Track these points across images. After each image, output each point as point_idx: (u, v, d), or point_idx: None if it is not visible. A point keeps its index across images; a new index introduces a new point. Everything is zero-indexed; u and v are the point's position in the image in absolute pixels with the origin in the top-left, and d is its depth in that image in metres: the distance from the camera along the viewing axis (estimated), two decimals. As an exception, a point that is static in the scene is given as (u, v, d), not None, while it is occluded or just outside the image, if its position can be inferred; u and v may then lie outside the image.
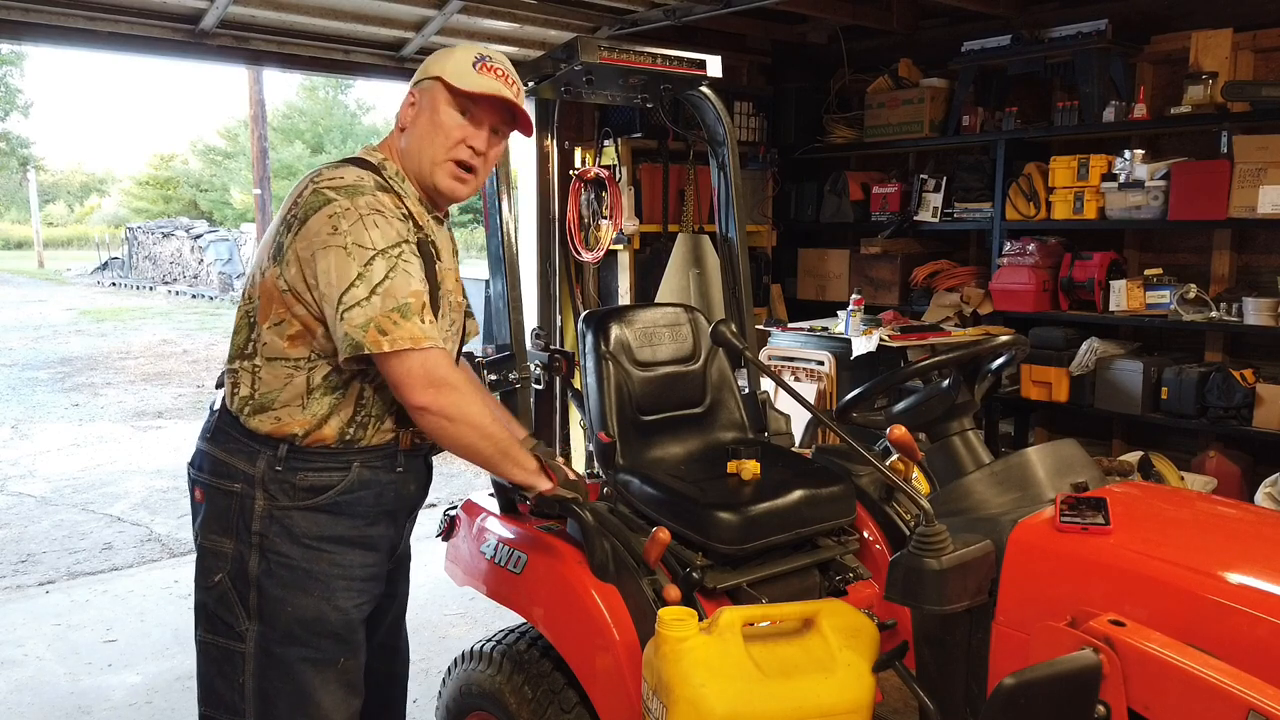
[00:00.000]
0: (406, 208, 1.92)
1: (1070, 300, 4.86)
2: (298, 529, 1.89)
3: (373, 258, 1.78)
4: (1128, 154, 4.54)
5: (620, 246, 5.44)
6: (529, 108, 2.06)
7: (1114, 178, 4.57)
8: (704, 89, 2.86)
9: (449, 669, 2.61)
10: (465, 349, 2.25)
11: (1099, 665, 1.36)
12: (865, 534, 2.54)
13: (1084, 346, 4.69)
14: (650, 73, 2.68)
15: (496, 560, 2.42)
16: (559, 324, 5.16)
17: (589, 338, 2.68)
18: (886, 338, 4.78)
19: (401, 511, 2.08)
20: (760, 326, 5.36)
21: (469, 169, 1.98)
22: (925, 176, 5.49)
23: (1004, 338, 2.17)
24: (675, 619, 1.83)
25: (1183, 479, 4.24)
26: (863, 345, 4.77)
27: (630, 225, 5.34)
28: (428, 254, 1.93)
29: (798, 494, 2.34)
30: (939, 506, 1.72)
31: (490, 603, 2.52)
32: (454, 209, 2.16)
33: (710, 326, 2.33)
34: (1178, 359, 4.60)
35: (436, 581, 3.61)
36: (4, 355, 13.13)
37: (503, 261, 2.58)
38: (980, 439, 2.09)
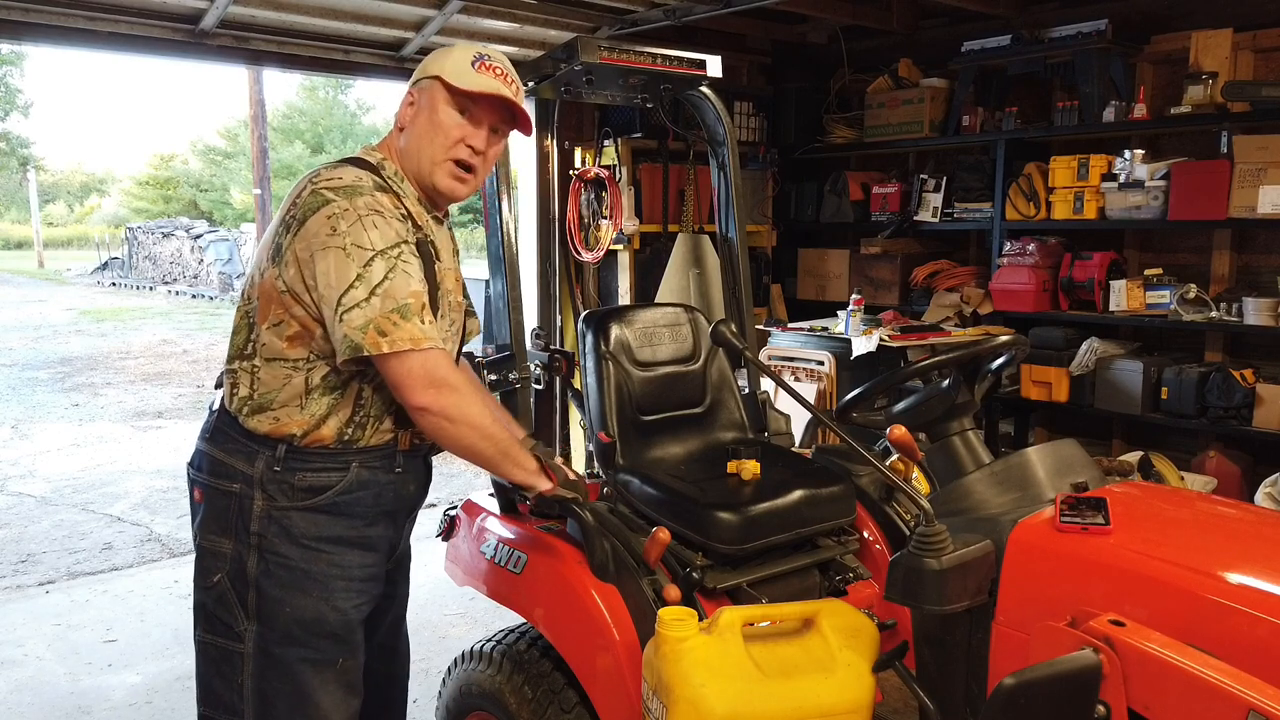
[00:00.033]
0: (405, 208, 1.92)
1: (1070, 300, 4.86)
2: (296, 529, 1.89)
3: (372, 258, 1.78)
4: (1128, 154, 4.54)
5: (620, 246, 5.44)
6: (528, 107, 2.06)
7: (1114, 178, 4.57)
8: (704, 89, 2.86)
9: (449, 669, 2.61)
10: (465, 349, 2.25)
11: (1099, 665, 1.36)
12: (865, 534, 2.54)
13: (1084, 346, 4.69)
14: (650, 73, 2.68)
15: (496, 560, 2.42)
16: (559, 324, 5.16)
17: (589, 338, 2.68)
18: (886, 338, 4.78)
19: (401, 512, 2.08)
20: (760, 326, 5.36)
21: (468, 168, 1.97)
22: (925, 176, 5.49)
23: (1004, 338, 2.17)
24: (675, 619, 1.83)
25: (1183, 479, 4.24)
26: (863, 345, 4.77)
27: (630, 225, 5.34)
28: (427, 254, 1.93)
29: (798, 494, 2.34)
30: (939, 506, 1.72)
31: (490, 603, 2.52)
32: (454, 209, 2.16)
33: (710, 326, 2.33)
34: (1178, 359, 4.60)
35: (436, 581, 3.61)
36: (4, 355, 13.14)
37: (503, 261, 2.58)
38: (980, 439, 2.09)
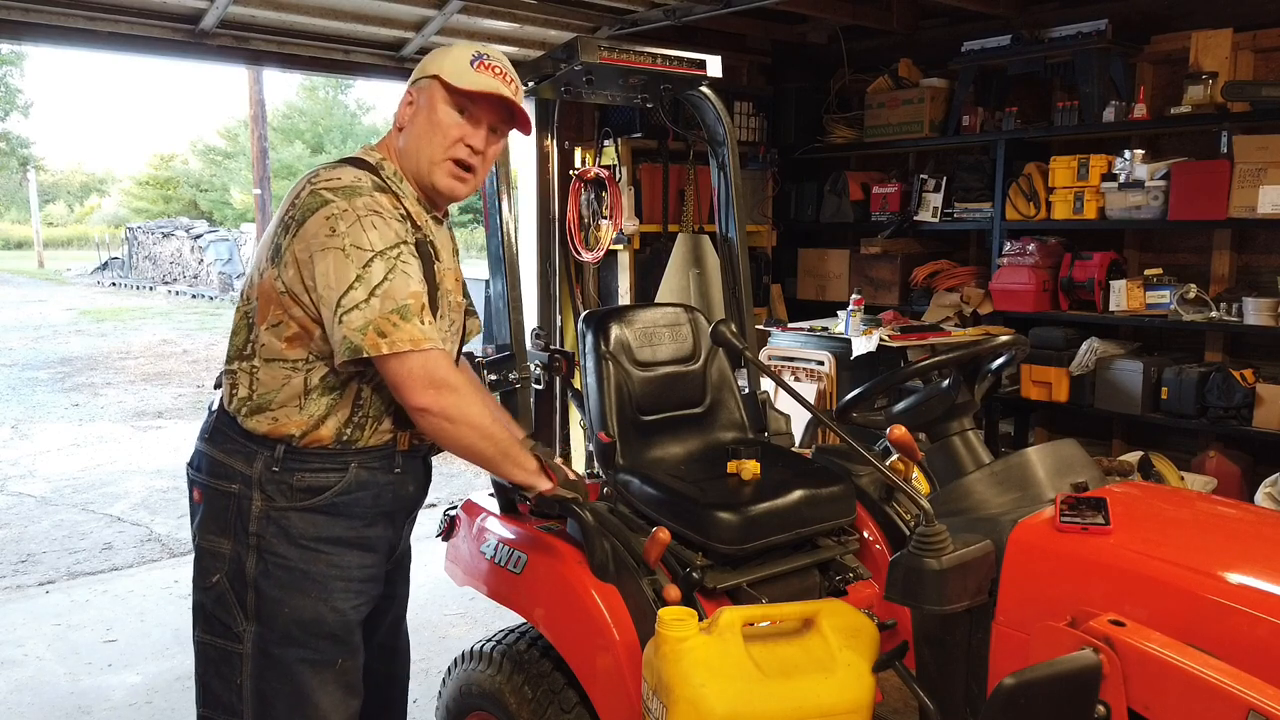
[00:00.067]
0: (405, 208, 1.92)
1: (1070, 300, 4.86)
2: (295, 530, 1.89)
3: (371, 259, 1.78)
4: (1128, 154, 4.54)
5: (620, 246, 5.44)
6: (528, 106, 2.05)
7: (1114, 178, 4.57)
8: (704, 89, 2.86)
9: (449, 669, 2.61)
10: (465, 348, 2.25)
11: (1099, 665, 1.36)
12: (865, 534, 2.54)
13: (1084, 346, 4.69)
14: (650, 73, 2.68)
15: (496, 560, 2.42)
16: (559, 324, 5.16)
17: (589, 338, 2.68)
18: (886, 338, 4.78)
19: (400, 512, 2.07)
20: (760, 326, 5.36)
21: (468, 168, 1.97)
22: (925, 176, 5.49)
23: (1004, 338, 2.17)
24: (675, 619, 1.83)
25: (1183, 479, 4.24)
26: (863, 345, 4.77)
27: (630, 225, 5.34)
28: (426, 254, 1.92)
29: (798, 494, 2.34)
30: (939, 506, 1.72)
31: (490, 603, 2.52)
32: (454, 209, 2.15)
33: (710, 326, 2.33)
34: (1178, 359, 4.60)
35: (436, 581, 3.61)
36: (4, 355, 13.14)
37: (503, 261, 2.58)
38: (980, 439, 2.09)
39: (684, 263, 5.38)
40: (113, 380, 11.26)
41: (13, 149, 34.97)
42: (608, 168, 5.37)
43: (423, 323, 1.81)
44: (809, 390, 4.92)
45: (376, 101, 34.76)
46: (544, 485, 2.05)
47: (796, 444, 3.07)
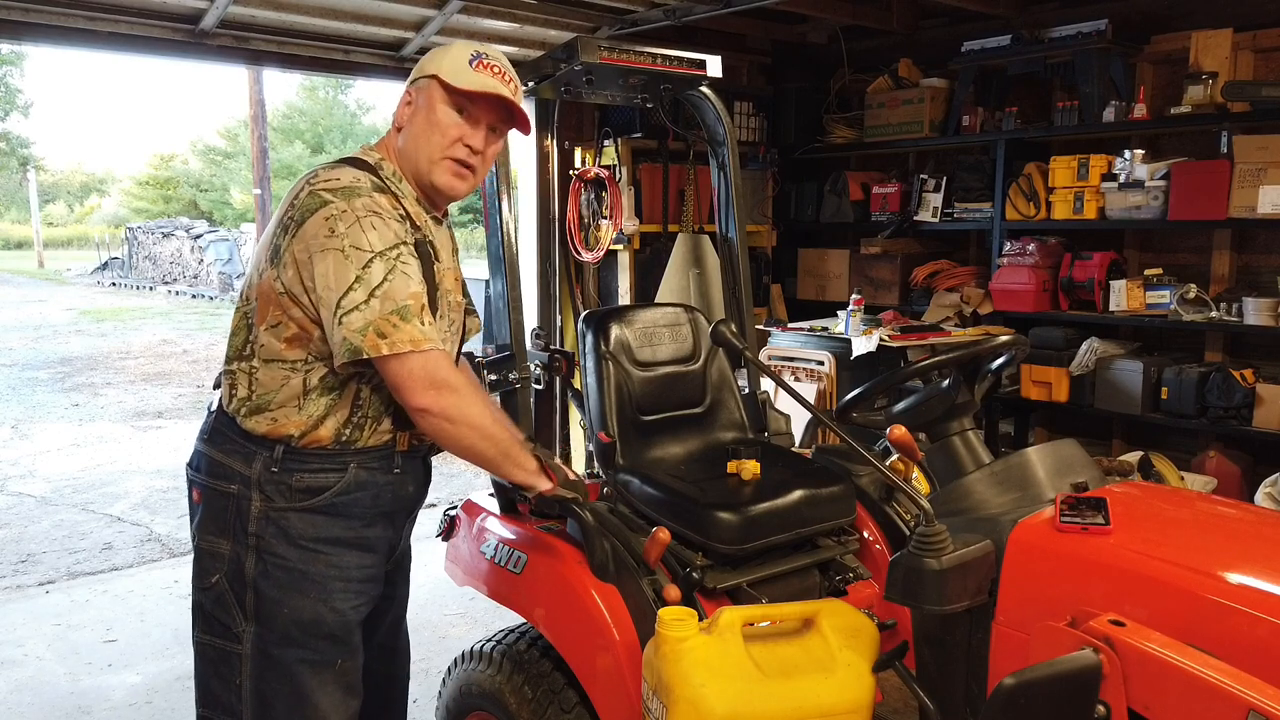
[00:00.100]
0: (404, 208, 1.91)
1: (1070, 300, 4.86)
2: (294, 530, 1.89)
3: (370, 260, 1.77)
4: (1128, 154, 4.54)
5: (620, 246, 5.44)
6: (528, 106, 2.05)
7: (1114, 178, 4.57)
8: (704, 89, 2.86)
9: (449, 669, 2.61)
10: (465, 349, 2.25)
11: (1099, 665, 1.36)
12: (865, 534, 2.54)
13: (1084, 346, 4.69)
14: (650, 73, 2.68)
15: (496, 560, 2.42)
16: (559, 324, 5.16)
17: (589, 338, 2.68)
18: (886, 338, 4.78)
19: (399, 513, 2.07)
20: (760, 326, 5.36)
21: (467, 167, 1.96)
22: (925, 176, 5.49)
23: (1004, 338, 2.17)
24: (675, 619, 1.83)
25: (1183, 479, 4.24)
26: (863, 345, 4.77)
27: (630, 225, 5.34)
28: (425, 254, 1.92)
29: (798, 494, 2.34)
30: (939, 506, 1.72)
31: (490, 603, 2.52)
32: (453, 209, 2.15)
33: (710, 326, 2.33)
34: (1178, 359, 4.60)
35: (436, 581, 3.61)
36: (4, 355, 13.14)
37: (503, 261, 2.58)
38: (980, 439, 2.09)
39: (684, 263, 5.38)
40: (113, 380, 11.26)
41: (13, 149, 34.97)
42: (608, 168, 5.37)
43: (423, 323, 1.81)
44: (809, 390, 4.92)
45: (376, 101, 34.83)
46: (544, 485, 2.05)
47: (796, 444, 3.07)
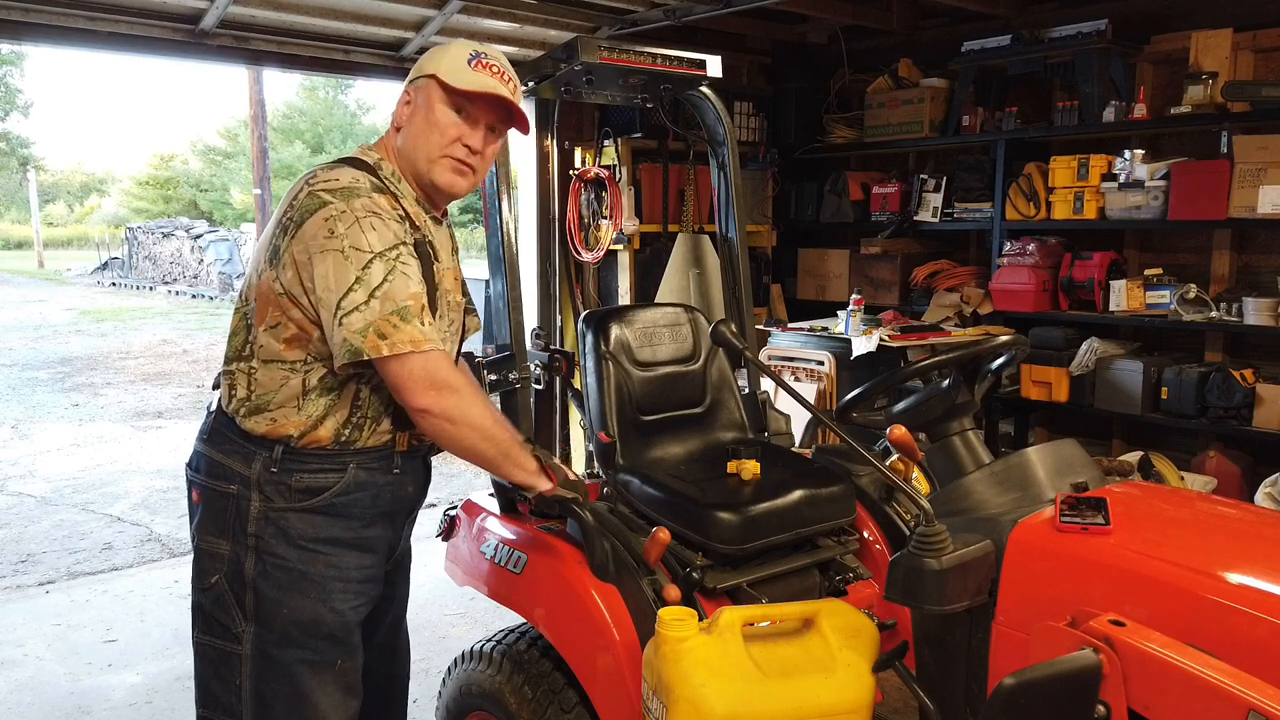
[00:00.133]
0: (403, 208, 1.91)
1: (1070, 300, 4.86)
2: (293, 530, 1.89)
3: (370, 261, 1.77)
4: (1128, 154, 4.54)
5: (620, 246, 5.44)
6: (528, 106, 2.05)
7: (1114, 178, 4.57)
8: (704, 89, 2.86)
9: (449, 669, 2.61)
10: (465, 349, 2.25)
11: (1099, 665, 1.36)
12: (865, 534, 2.54)
13: (1084, 346, 4.69)
14: (650, 73, 2.68)
15: (497, 560, 2.42)
16: (559, 324, 5.16)
17: (589, 338, 2.68)
18: (886, 338, 4.78)
19: (399, 513, 2.07)
20: (760, 326, 5.36)
21: (467, 165, 1.96)
22: (925, 176, 5.49)
23: (1004, 338, 2.17)
24: (675, 619, 1.83)
25: (1183, 479, 4.24)
26: (863, 345, 4.76)
27: (630, 225, 5.34)
28: (425, 255, 1.92)
29: (798, 494, 2.34)
30: (939, 506, 1.72)
31: (490, 603, 2.52)
32: (453, 208, 2.15)
33: (710, 326, 2.33)
34: (1178, 359, 4.60)
35: (436, 581, 3.61)
36: (4, 355, 13.14)
37: (503, 261, 2.58)
38: (980, 439, 2.09)
39: (684, 263, 5.38)
40: (113, 380, 11.26)
41: (13, 149, 34.97)
42: (608, 168, 5.36)
43: (423, 324, 1.81)
44: (809, 390, 4.92)
45: (376, 101, 34.83)
46: (544, 485, 2.05)
47: (796, 444, 3.07)
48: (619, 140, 5.35)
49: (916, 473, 2.66)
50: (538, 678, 2.31)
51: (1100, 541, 1.56)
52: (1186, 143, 4.67)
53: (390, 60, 5.01)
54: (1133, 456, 4.06)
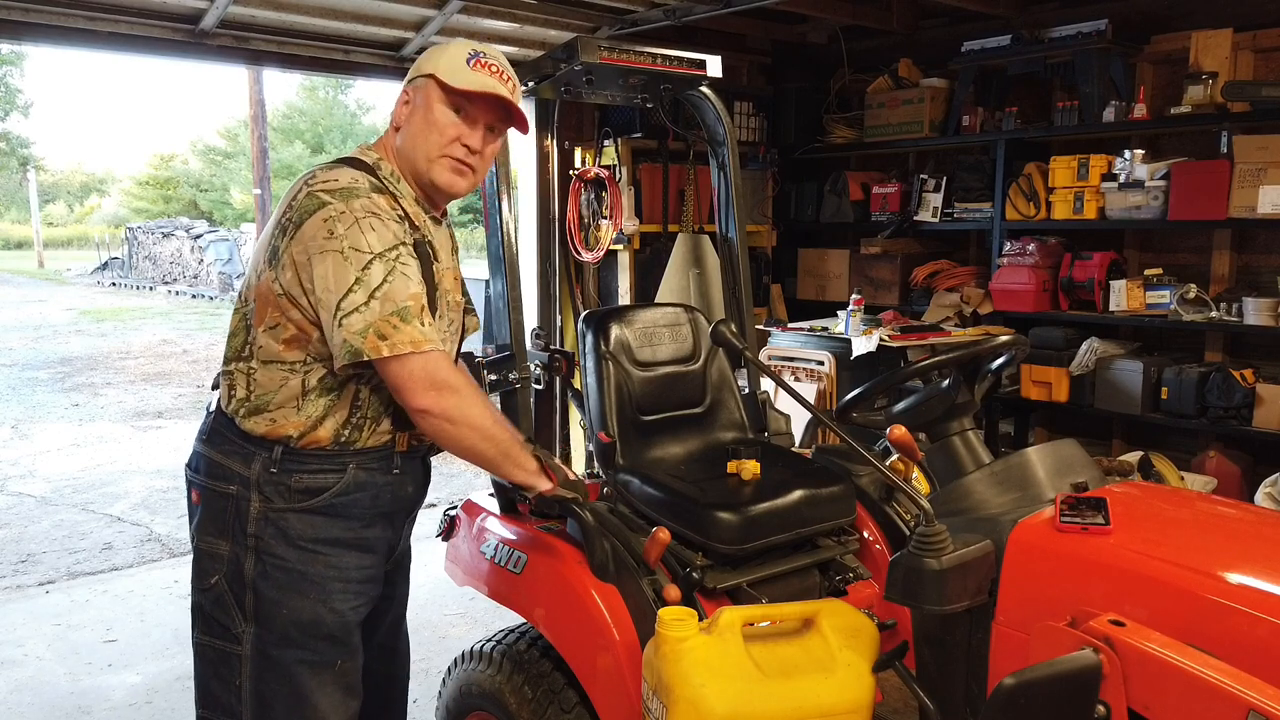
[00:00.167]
0: (402, 209, 1.91)
1: (1070, 300, 4.86)
2: (293, 531, 1.89)
3: (370, 261, 1.77)
4: (1128, 154, 4.54)
5: (620, 246, 5.44)
6: (527, 106, 2.04)
7: (1114, 178, 4.57)
8: (704, 89, 2.86)
9: (449, 669, 2.61)
10: (465, 349, 2.25)
11: (1099, 665, 1.36)
12: (865, 534, 2.54)
13: (1084, 346, 4.69)
14: (650, 73, 2.68)
15: (497, 560, 2.42)
16: (559, 324, 5.16)
17: (589, 338, 2.68)
18: (886, 338, 4.78)
19: (399, 513, 2.07)
20: (760, 326, 5.36)
21: (466, 165, 1.96)
22: (925, 176, 5.49)
23: (1004, 338, 2.17)
24: (675, 619, 1.83)
25: (1183, 479, 4.24)
26: (863, 345, 4.77)
27: (630, 225, 5.34)
28: (425, 255, 1.91)
29: (798, 494, 2.34)
30: (939, 506, 1.72)
31: (490, 603, 2.52)
32: (453, 208, 2.15)
33: (710, 326, 2.33)
34: (1178, 359, 4.60)
35: (436, 581, 3.61)
36: (4, 355, 13.13)
37: (503, 261, 2.58)
38: (980, 439, 2.09)
39: (684, 263, 5.38)
40: (113, 380, 11.26)
41: (13, 149, 34.97)
42: (608, 168, 5.36)
43: (423, 324, 1.80)
44: (809, 390, 4.92)
45: (376, 101, 34.82)
46: (544, 485, 2.05)
47: (796, 444, 3.07)
48: (619, 140, 5.35)
49: (916, 473, 2.66)
50: (538, 678, 2.31)
51: (1100, 541, 1.56)
52: (1186, 143, 4.67)
53: (390, 60, 5.01)
54: (1133, 456, 4.06)
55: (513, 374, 2.57)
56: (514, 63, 2.04)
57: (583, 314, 2.79)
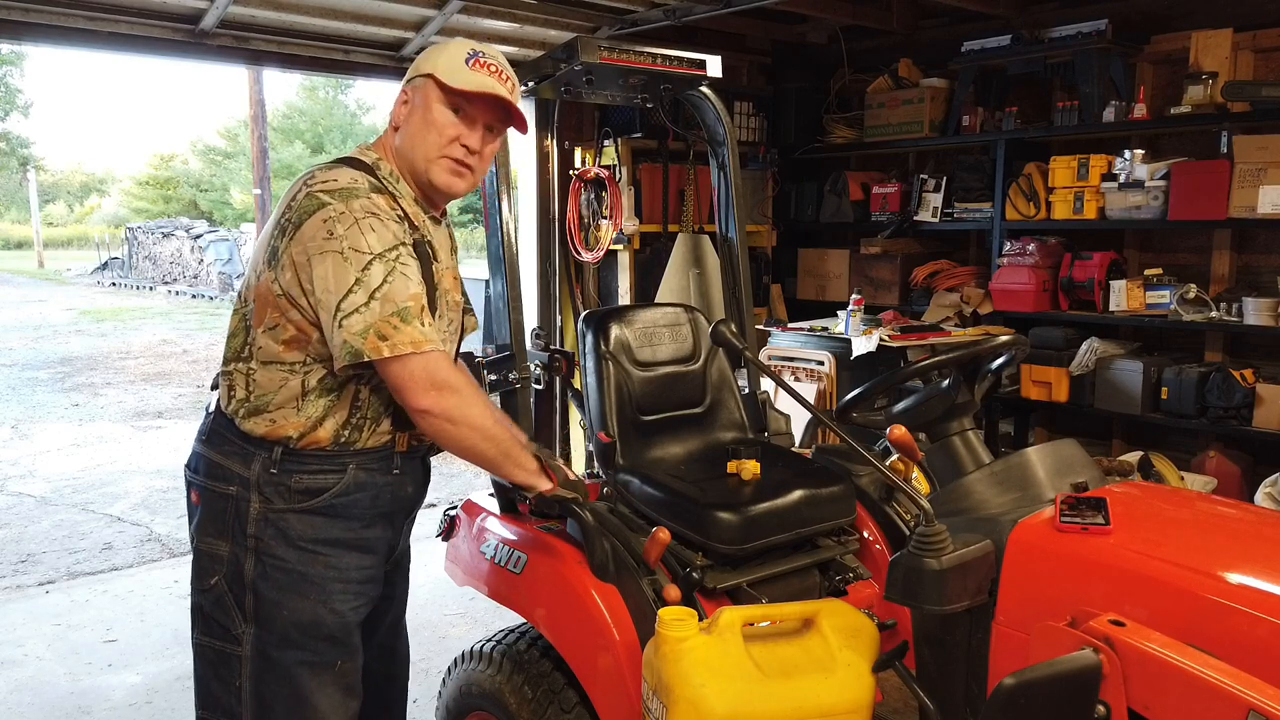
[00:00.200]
0: (402, 208, 1.90)
1: (1070, 300, 4.86)
2: (293, 532, 1.89)
3: (370, 262, 1.77)
4: (1128, 154, 4.54)
5: (620, 246, 5.44)
6: (527, 106, 2.04)
7: (1114, 178, 4.57)
8: (704, 89, 2.86)
9: (449, 669, 2.61)
10: (465, 349, 2.25)
11: (1099, 665, 1.36)
12: (865, 534, 2.54)
13: (1084, 346, 4.69)
14: (650, 73, 2.68)
15: (497, 560, 2.42)
16: (559, 324, 5.16)
17: (589, 338, 2.68)
18: (886, 338, 4.78)
19: (399, 513, 2.07)
20: (760, 326, 5.36)
21: (465, 165, 1.96)
22: (925, 176, 5.49)
23: (1004, 338, 2.17)
24: (675, 619, 1.83)
25: (1183, 479, 4.24)
26: (863, 345, 4.77)
27: (630, 225, 5.34)
28: (424, 255, 1.91)
29: (798, 494, 2.34)
30: (939, 506, 1.72)
31: (490, 603, 2.52)
32: (453, 208, 2.14)
33: (710, 326, 2.33)
34: (1178, 359, 4.60)
35: (436, 581, 3.62)
36: (4, 355, 13.13)
37: (503, 261, 2.58)
38: (980, 439, 2.09)
39: (684, 263, 5.38)
40: (113, 380, 11.26)
41: (13, 149, 34.97)
42: (608, 168, 5.36)
43: (423, 324, 1.80)
44: (809, 390, 4.92)
45: (376, 101, 34.83)
46: (544, 485, 2.04)
47: (796, 444, 3.07)
48: (619, 140, 5.35)
49: (916, 473, 2.66)
50: (538, 678, 2.31)
51: (1100, 541, 1.56)
52: (1186, 143, 4.67)
53: (390, 60, 5.01)
54: (1133, 456, 4.06)
55: (513, 374, 2.57)
56: (514, 63, 2.04)
57: (583, 314, 2.79)
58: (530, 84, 2.71)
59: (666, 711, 1.78)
